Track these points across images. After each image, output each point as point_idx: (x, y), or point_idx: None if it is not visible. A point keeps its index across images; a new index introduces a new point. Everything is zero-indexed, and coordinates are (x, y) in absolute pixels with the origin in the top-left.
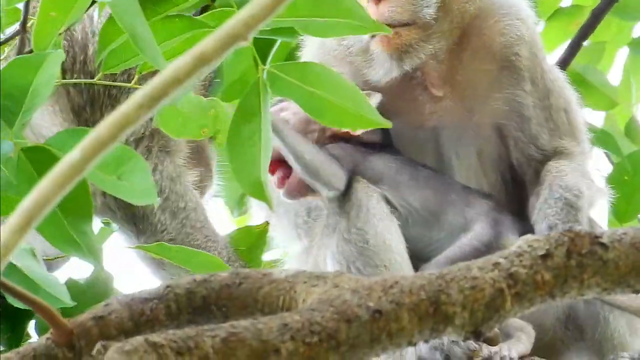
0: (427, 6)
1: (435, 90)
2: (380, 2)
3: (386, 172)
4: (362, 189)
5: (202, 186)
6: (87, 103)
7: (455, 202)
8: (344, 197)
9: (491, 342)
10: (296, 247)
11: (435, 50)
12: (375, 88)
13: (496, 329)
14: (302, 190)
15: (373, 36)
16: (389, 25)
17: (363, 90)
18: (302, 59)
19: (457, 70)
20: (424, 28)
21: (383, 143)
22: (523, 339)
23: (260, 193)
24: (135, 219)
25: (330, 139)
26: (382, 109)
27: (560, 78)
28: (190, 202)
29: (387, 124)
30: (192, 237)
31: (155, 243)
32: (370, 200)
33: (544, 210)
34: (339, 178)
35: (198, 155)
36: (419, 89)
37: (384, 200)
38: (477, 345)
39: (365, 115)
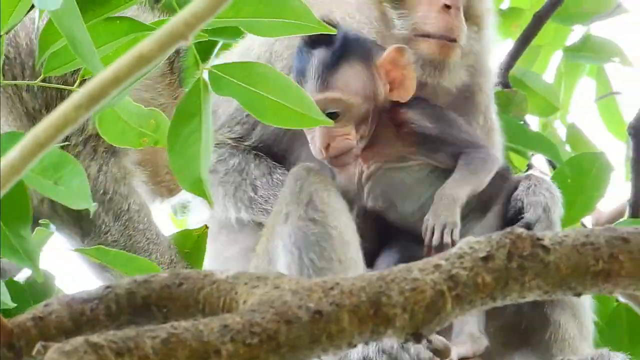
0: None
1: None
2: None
3: None
4: (320, 181)
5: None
6: (42, 106)
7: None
8: (301, 187)
9: (443, 354)
10: (228, 217)
11: None
12: None
13: (447, 343)
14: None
15: None
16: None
17: None
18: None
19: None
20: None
21: None
22: (469, 344)
23: (200, 190)
24: (80, 221)
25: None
26: None
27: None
28: (134, 204)
29: (328, 121)
30: (134, 239)
31: (95, 246)
32: (330, 194)
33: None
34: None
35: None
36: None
37: (341, 195)
38: (421, 349)
39: (309, 114)
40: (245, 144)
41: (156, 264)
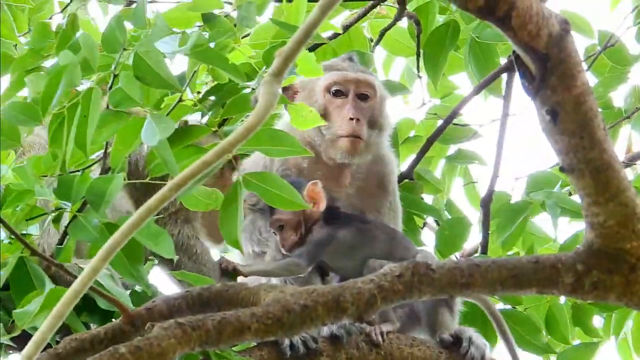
0: (372, 134)
1: (345, 181)
2: (357, 122)
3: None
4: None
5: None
6: (145, 193)
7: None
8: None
9: (371, 324)
10: (248, 250)
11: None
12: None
13: (374, 317)
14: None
15: (344, 137)
16: (356, 136)
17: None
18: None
19: (361, 177)
20: (366, 145)
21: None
22: (390, 324)
23: (237, 245)
24: (170, 262)
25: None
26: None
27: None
28: (199, 249)
29: (307, 206)
30: (200, 269)
31: (180, 271)
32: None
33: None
34: (299, 267)
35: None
36: (338, 177)
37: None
38: (364, 326)
39: (294, 200)
40: (255, 207)
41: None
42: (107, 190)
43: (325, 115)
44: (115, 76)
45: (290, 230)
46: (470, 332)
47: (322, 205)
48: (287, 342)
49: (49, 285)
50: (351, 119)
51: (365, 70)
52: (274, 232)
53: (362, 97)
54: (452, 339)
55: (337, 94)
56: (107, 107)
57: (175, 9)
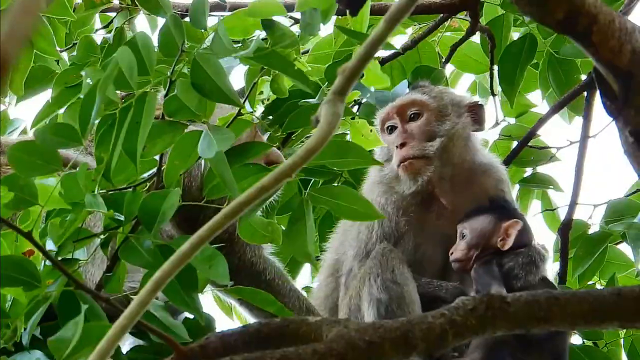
0: (431, 146)
1: (444, 201)
2: (403, 147)
3: None
4: (398, 257)
5: None
6: (201, 215)
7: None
8: (387, 261)
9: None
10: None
11: (437, 175)
12: (405, 199)
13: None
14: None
15: (398, 166)
16: (407, 159)
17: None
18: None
19: (462, 194)
20: (427, 159)
21: None
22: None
23: (308, 259)
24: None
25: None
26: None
27: None
28: (269, 274)
29: (381, 215)
30: (268, 288)
31: (235, 287)
32: (403, 265)
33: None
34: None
35: None
36: (432, 202)
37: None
38: None
39: (371, 213)
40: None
41: (279, 303)
42: (161, 208)
43: (389, 157)
44: (171, 83)
45: (468, 247)
46: None
47: (510, 243)
48: None
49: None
50: (397, 146)
51: (417, 90)
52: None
53: (413, 118)
54: None
55: (391, 129)
56: (162, 117)
57: (232, 16)
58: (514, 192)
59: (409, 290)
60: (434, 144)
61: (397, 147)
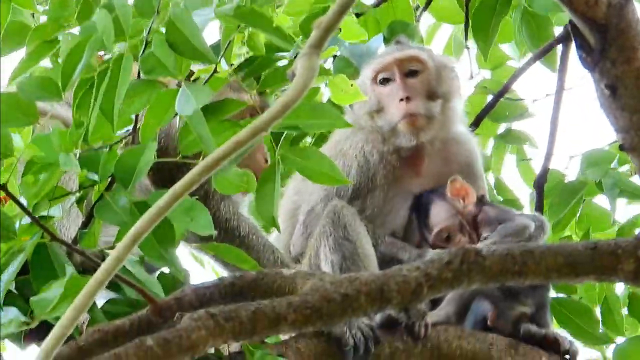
0: (435, 106)
1: (423, 167)
2: (409, 101)
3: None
4: (350, 213)
5: None
6: (179, 172)
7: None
8: (338, 219)
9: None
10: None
11: (432, 137)
12: (395, 152)
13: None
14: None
15: (401, 119)
16: (413, 115)
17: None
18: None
19: (439, 161)
20: (430, 118)
21: None
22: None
23: (274, 223)
24: (209, 239)
25: None
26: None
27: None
28: (243, 230)
29: (347, 180)
30: (248, 244)
31: (210, 244)
32: (356, 221)
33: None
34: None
35: None
36: (416, 161)
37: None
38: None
39: (336, 177)
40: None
41: (253, 261)
42: (137, 165)
43: (381, 108)
44: (147, 43)
45: (458, 235)
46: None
47: (473, 196)
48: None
49: (70, 272)
50: (401, 99)
51: (412, 46)
52: (441, 247)
53: (411, 74)
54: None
55: (385, 81)
56: (138, 77)
57: None
58: (488, 147)
59: (362, 246)
60: (436, 104)
61: (400, 99)
